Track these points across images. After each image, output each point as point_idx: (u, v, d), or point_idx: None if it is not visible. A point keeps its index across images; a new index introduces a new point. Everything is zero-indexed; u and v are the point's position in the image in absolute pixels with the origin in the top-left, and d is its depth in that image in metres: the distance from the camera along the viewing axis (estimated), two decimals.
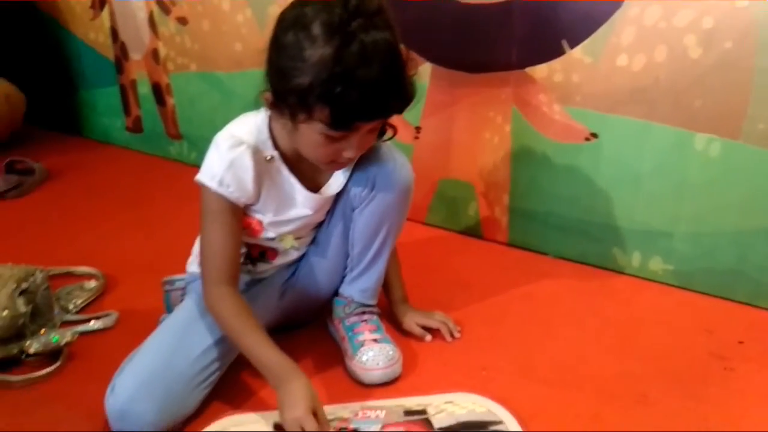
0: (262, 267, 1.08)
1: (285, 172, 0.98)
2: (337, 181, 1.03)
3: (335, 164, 0.96)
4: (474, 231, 1.50)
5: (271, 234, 1.03)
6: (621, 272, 1.34)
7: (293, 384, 0.88)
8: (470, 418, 0.92)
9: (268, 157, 0.97)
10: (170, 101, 1.94)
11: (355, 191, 1.02)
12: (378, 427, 0.90)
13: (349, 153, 0.91)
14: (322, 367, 1.06)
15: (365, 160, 1.01)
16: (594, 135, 1.28)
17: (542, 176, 1.38)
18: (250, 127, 0.96)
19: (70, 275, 1.32)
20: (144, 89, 1.99)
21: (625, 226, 1.31)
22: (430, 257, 1.41)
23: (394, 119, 1.00)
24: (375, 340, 1.04)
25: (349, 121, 0.87)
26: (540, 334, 1.14)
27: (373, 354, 1.01)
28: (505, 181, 1.42)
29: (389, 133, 1.03)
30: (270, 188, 0.99)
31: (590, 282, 1.31)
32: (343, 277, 1.10)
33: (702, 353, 1.08)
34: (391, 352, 1.02)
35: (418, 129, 1.49)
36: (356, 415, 0.93)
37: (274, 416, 0.92)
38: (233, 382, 1.01)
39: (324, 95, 0.83)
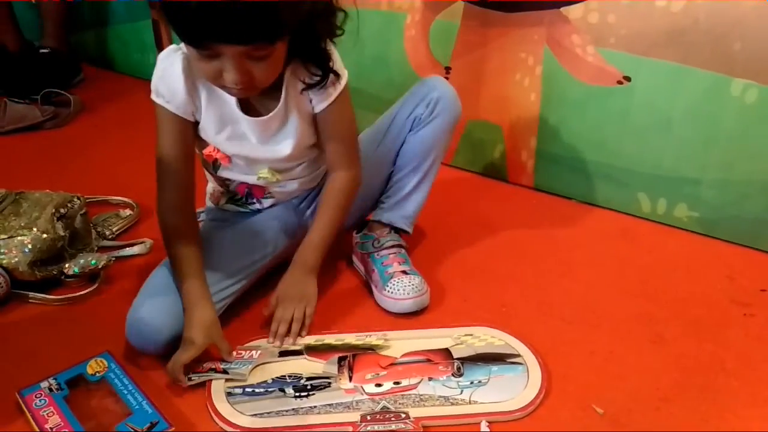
0: (266, 202, 1.09)
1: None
2: (277, 109, 0.95)
3: (229, 88, 0.86)
4: (500, 174, 1.50)
5: (241, 163, 1.01)
6: (645, 218, 1.33)
7: (195, 311, 0.91)
8: (488, 350, 0.95)
9: None
10: None
11: (416, 112, 1.08)
12: (249, 368, 0.91)
13: (229, 76, 0.82)
14: (348, 298, 1.09)
15: (422, 87, 1.08)
16: (627, 78, 1.26)
17: (571, 120, 1.36)
18: None
19: (106, 203, 1.36)
20: None
21: (652, 172, 1.30)
22: (455, 198, 1.42)
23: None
24: (404, 272, 1.06)
25: (196, 37, 0.78)
26: (560, 274, 1.15)
27: (402, 285, 1.04)
28: (533, 124, 1.41)
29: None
30: (210, 100, 0.94)
31: (613, 227, 1.32)
32: (372, 208, 1.14)
33: (722, 299, 1.09)
34: (419, 283, 1.04)
35: (447, 69, 1.48)
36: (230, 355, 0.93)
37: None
38: (251, 307, 1.04)
39: (167, 2, 0.77)
